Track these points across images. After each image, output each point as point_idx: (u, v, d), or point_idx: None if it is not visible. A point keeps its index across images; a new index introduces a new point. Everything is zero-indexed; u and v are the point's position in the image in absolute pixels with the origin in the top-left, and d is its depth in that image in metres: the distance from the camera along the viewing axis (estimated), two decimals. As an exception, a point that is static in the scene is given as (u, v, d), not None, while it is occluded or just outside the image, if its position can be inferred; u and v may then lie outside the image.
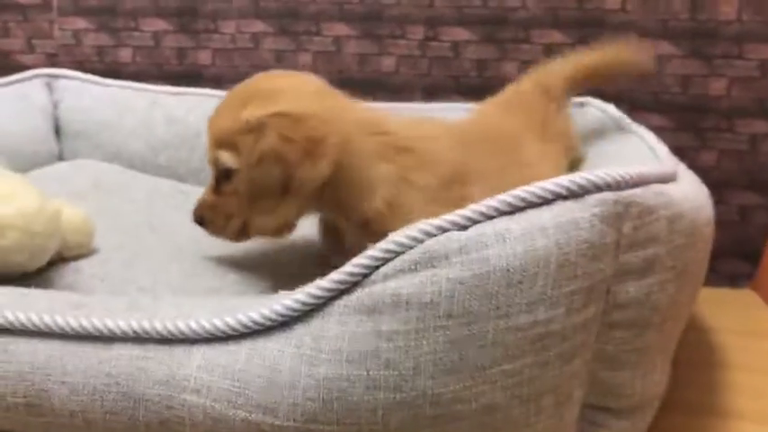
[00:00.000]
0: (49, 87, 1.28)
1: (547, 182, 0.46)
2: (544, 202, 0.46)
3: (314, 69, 1.30)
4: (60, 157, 1.25)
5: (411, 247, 0.45)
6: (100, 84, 1.27)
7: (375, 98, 1.20)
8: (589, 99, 1.05)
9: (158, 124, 1.21)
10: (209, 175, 1.17)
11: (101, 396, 0.49)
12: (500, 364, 0.45)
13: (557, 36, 1.20)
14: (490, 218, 0.45)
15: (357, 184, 0.66)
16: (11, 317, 0.51)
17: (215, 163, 0.68)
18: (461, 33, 1.24)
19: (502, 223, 0.45)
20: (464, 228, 0.45)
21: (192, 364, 0.48)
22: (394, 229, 0.65)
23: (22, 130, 1.18)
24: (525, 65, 1.22)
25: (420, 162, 0.68)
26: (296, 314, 0.47)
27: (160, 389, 0.48)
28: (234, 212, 0.68)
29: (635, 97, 1.18)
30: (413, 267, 0.45)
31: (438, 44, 1.25)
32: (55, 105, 1.27)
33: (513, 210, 0.46)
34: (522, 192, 0.45)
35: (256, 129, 0.63)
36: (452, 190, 0.68)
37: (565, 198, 0.46)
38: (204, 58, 1.34)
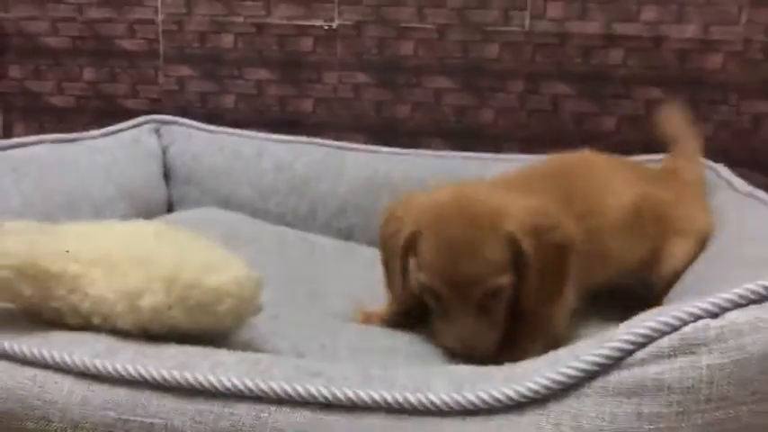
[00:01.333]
0: (158, 133, 1.32)
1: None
2: (789, 291, 0.49)
3: (412, 119, 1.35)
4: (169, 202, 1.29)
5: (665, 333, 0.49)
6: (207, 130, 1.31)
7: (472, 148, 1.24)
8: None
9: (267, 171, 1.26)
10: (317, 219, 1.20)
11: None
12: (748, 444, 0.48)
13: (656, 93, 1.25)
14: (739, 306, 0.49)
15: None
16: (275, 387, 0.53)
17: (490, 290, 0.72)
18: (561, 88, 1.28)
19: (753, 312, 0.49)
20: (715, 315, 0.49)
21: (445, 437, 0.51)
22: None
23: (138, 176, 1.22)
24: (624, 120, 1.27)
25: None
26: (549, 392, 0.50)
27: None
28: (497, 326, 0.74)
29: (732, 156, 1.21)
30: (671, 353, 0.48)
31: (538, 98, 1.29)
32: (164, 151, 1.31)
33: (760, 299, 0.49)
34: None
35: (531, 232, 0.71)
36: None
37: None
38: (305, 106, 1.38)
